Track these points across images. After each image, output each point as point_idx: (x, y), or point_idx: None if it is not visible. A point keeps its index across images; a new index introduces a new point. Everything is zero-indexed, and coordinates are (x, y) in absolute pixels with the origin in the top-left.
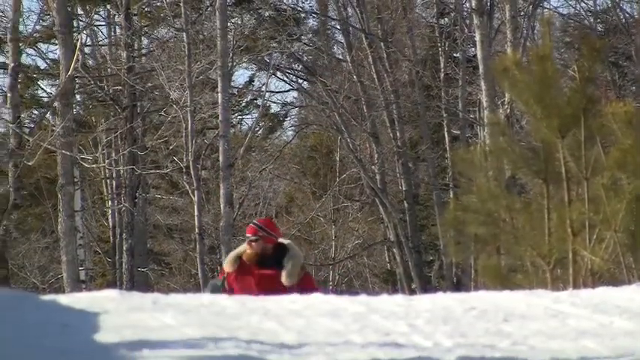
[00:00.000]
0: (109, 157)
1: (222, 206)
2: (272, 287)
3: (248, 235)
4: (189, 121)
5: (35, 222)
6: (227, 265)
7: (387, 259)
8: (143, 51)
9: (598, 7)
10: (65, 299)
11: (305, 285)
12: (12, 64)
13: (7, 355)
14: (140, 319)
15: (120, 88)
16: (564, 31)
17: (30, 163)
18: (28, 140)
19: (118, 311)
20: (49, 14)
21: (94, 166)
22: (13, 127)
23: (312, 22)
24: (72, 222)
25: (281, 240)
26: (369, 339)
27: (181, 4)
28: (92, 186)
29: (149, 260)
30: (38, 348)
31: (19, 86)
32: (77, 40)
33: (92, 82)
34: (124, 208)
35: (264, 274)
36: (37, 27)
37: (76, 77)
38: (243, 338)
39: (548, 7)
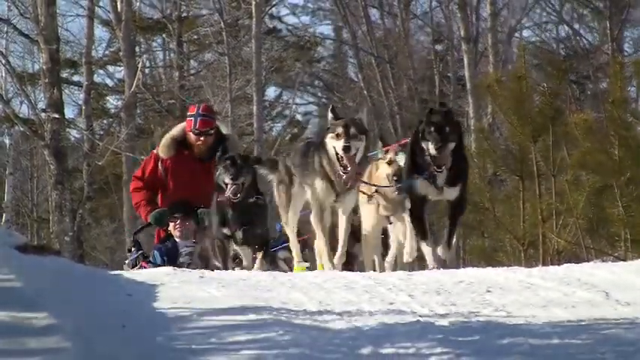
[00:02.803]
0: None
1: None
2: (207, 179)
3: (203, 128)
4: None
5: (104, 211)
6: (163, 151)
7: None
8: (192, 71)
9: (561, 36)
10: (129, 274)
11: None
12: (86, 83)
13: (84, 318)
14: (189, 290)
15: (173, 101)
16: (535, 55)
17: (100, 163)
18: (99, 144)
19: (171, 284)
20: (115, 42)
21: None
22: (86, 133)
23: (329, 45)
24: (134, 211)
25: (222, 130)
26: (376, 307)
27: (223, 33)
28: None
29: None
30: (108, 313)
31: (91, 100)
32: (138, 62)
33: (150, 97)
34: None
35: (209, 166)
36: (106, 52)
37: (138, 93)
38: (275, 306)
39: (522, 36)
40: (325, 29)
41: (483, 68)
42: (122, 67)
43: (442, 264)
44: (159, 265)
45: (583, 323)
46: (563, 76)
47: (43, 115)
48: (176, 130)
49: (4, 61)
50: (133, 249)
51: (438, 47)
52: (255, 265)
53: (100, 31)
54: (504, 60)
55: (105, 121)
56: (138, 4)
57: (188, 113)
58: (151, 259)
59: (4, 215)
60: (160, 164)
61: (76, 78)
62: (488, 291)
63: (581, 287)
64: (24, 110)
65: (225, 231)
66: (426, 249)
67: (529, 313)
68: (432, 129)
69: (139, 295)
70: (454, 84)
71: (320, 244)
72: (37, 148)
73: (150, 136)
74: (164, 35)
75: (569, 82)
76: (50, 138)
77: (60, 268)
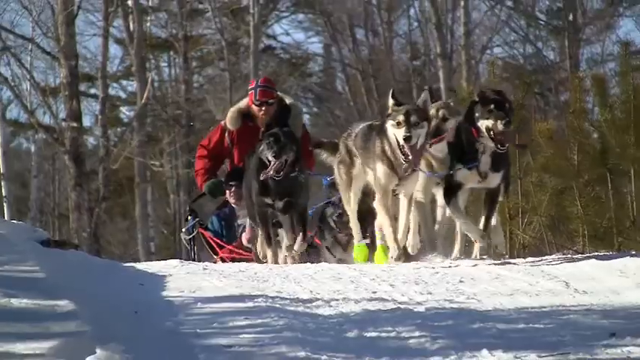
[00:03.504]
0: (171, 163)
1: None
2: None
3: (263, 98)
4: None
5: (118, 209)
6: (230, 122)
7: None
8: (196, 85)
9: (527, 53)
10: (140, 266)
11: (305, 142)
12: (101, 95)
13: (100, 305)
14: (194, 280)
15: (179, 112)
16: (504, 70)
17: (114, 167)
18: (113, 150)
19: (178, 275)
20: (128, 58)
21: (160, 169)
22: (102, 140)
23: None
24: (145, 210)
25: (285, 98)
26: (361, 295)
27: (224, 51)
28: (159, 183)
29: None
30: (122, 300)
31: (106, 111)
32: (148, 77)
33: (159, 108)
34: (182, 200)
35: None
36: (120, 68)
37: (148, 104)
38: (270, 295)
39: (492, 52)
40: (316, 47)
41: (457, 82)
42: (134, 81)
43: (487, 250)
44: (216, 231)
45: (545, 310)
46: (529, 89)
47: (63, 124)
48: (242, 103)
49: (28, 76)
50: (189, 217)
51: (416, 63)
52: (296, 246)
53: (114, 49)
54: (476, 74)
55: (118, 130)
56: (148, 24)
57: (249, 87)
58: (208, 225)
59: (29, 213)
60: (226, 135)
61: (92, 91)
62: (461, 281)
63: (544, 278)
64: (46, 120)
65: (267, 200)
66: (468, 227)
67: (497, 300)
68: (493, 106)
69: (149, 285)
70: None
71: (385, 227)
72: (58, 154)
73: (159, 142)
74: (171, 52)
75: (534, 95)
76: (70, 144)
77: (79, 261)
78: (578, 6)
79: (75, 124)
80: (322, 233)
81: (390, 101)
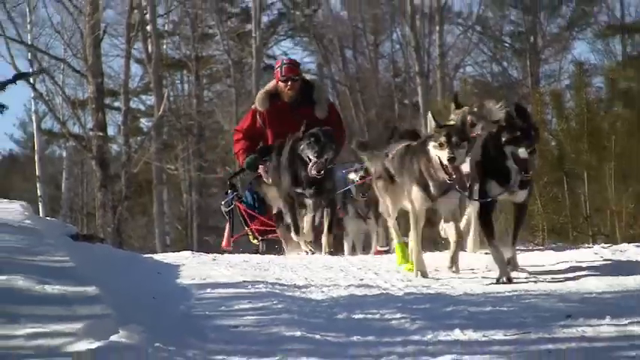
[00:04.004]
0: (184, 167)
1: None
2: (301, 123)
3: (289, 74)
4: None
5: (138, 208)
6: (259, 103)
7: None
8: (206, 99)
9: (494, 71)
10: (158, 257)
11: (332, 115)
12: (124, 108)
13: (123, 291)
14: (204, 269)
15: (191, 122)
16: (474, 86)
17: (134, 171)
18: (134, 156)
19: (190, 265)
20: (146, 76)
21: (174, 172)
22: (124, 147)
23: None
24: (161, 208)
25: (305, 77)
26: (349, 282)
27: (231, 70)
28: (174, 185)
29: (209, 232)
30: (142, 287)
31: (128, 122)
32: (164, 92)
33: (174, 119)
34: (193, 199)
35: (301, 111)
36: (139, 84)
37: (164, 116)
38: (270, 282)
39: (464, 71)
40: (310, 66)
41: (433, 97)
42: (152, 96)
43: (516, 268)
44: (249, 204)
45: (510, 295)
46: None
47: (90, 133)
48: (268, 85)
49: (60, 92)
50: (229, 191)
51: (398, 80)
52: (323, 238)
53: (134, 68)
54: (450, 90)
55: (138, 138)
56: (164, 46)
57: (275, 66)
58: (243, 199)
59: (60, 211)
60: (258, 117)
61: (116, 104)
62: (437, 270)
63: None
64: (76, 129)
65: (299, 190)
66: (497, 255)
67: (468, 286)
68: (520, 133)
69: (165, 273)
70: (410, 109)
71: (413, 247)
72: (86, 159)
73: (173, 149)
74: (184, 71)
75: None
76: (96, 151)
77: (104, 252)
78: (538, 30)
79: (101, 134)
80: (345, 207)
81: (432, 123)
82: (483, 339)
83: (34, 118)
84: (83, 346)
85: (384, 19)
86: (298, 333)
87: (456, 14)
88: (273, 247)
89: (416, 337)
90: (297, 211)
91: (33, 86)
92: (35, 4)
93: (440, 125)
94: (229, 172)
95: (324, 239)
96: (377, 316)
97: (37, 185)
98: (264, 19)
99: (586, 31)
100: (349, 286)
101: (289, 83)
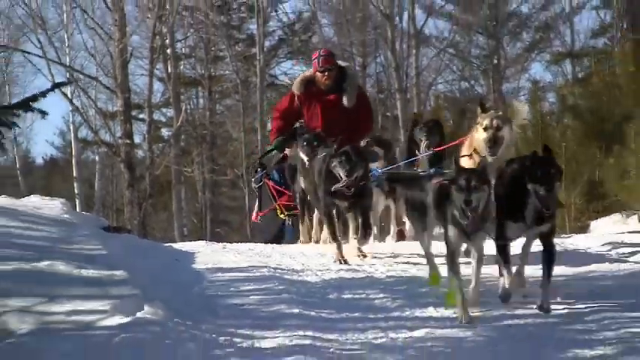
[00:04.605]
0: (199, 169)
1: None
2: (335, 112)
3: (326, 65)
4: (243, 150)
5: (160, 205)
6: (296, 87)
7: None
8: (218, 112)
9: (463, 88)
10: (176, 246)
11: (360, 104)
12: (147, 119)
13: (147, 275)
14: (216, 256)
15: (205, 132)
16: (445, 101)
17: (157, 173)
18: (156, 160)
19: (204, 252)
20: (167, 92)
21: (191, 174)
22: (148, 153)
23: None
24: (179, 204)
25: (340, 63)
26: (339, 267)
27: (239, 86)
28: (190, 185)
29: (221, 225)
30: (163, 271)
31: (151, 131)
32: (182, 106)
33: (190, 129)
34: (207, 197)
35: (329, 99)
36: (161, 99)
37: (182, 126)
38: (272, 267)
39: (437, 88)
40: None
41: (410, 110)
42: (171, 109)
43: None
44: (277, 181)
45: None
46: (463, 115)
47: (119, 141)
48: (307, 72)
49: (93, 105)
50: (258, 169)
51: (381, 96)
52: (359, 243)
53: (157, 85)
54: (424, 104)
55: (160, 145)
56: (182, 67)
57: (312, 58)
58: (271, 176)
59: (94, 207)
60: (295, 99)
61: (141, 116)
62: (412, 254)
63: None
64: (107, 138)
65: (336, 201)
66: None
67: (440, 271)
68: (539, 173)
69: (183, 260)
70: (391, 121)
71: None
72: (115, 163)
73: (190, 154)
74: (199, 88)
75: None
76: (124, 156)
77: (131, 242)
78: (501, 53)
79: (128, 141)
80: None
81: (453, 166)
82: (454, 315)
83: (71, 127)
84: (114, 321)
85: (370, 44)
86: (296, 310)
87: (430, 38)
88: (299, 223)
89: (396, 314)
90: (335, 221)
91: (71, 101)
92: (72, 31)
93: (460, 168)
94: (237, 173)
95: (360, 243)
96: (363, 295)
97: (74, 185)
98: (267, 43)
99: (542, 54)
100: (339, 270)
101: (326, 74)
